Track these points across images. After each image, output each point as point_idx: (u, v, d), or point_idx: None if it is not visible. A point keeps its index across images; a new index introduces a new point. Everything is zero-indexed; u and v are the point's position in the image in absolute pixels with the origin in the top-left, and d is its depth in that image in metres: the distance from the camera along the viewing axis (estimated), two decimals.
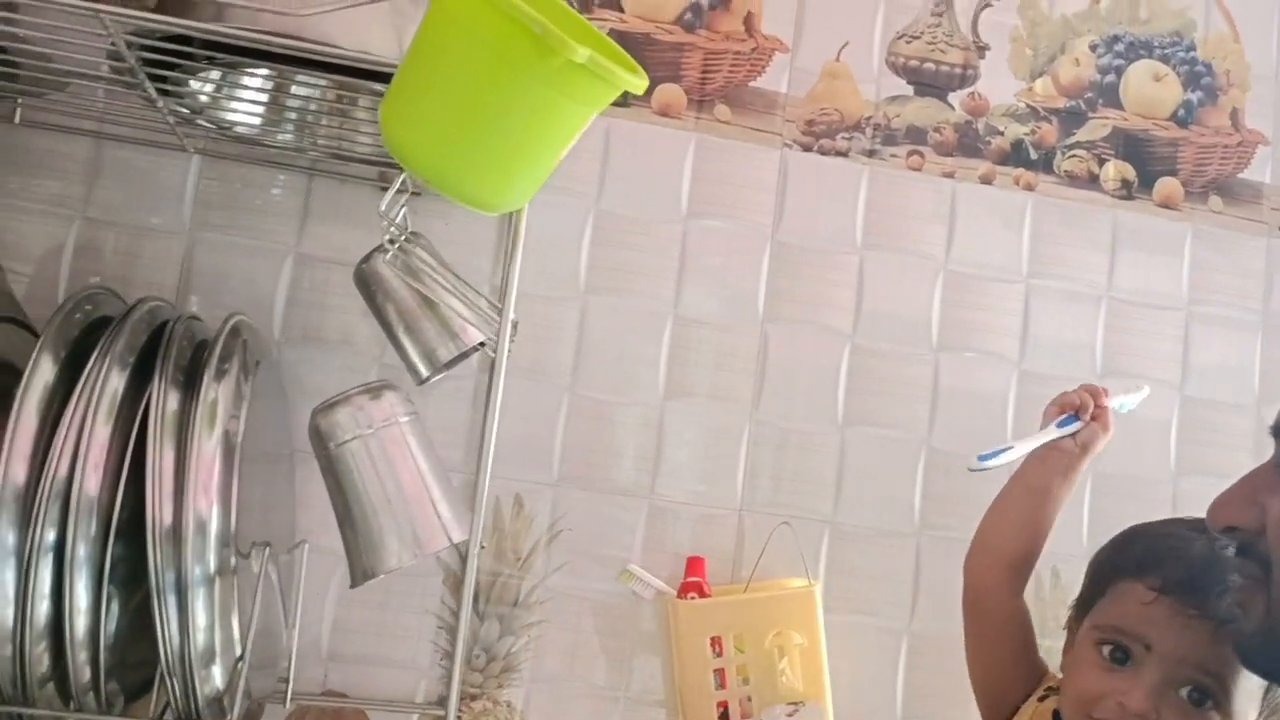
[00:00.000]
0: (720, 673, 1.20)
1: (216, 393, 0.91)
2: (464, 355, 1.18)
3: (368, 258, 1.17)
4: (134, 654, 0.91)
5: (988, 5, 1.45)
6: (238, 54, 0.98)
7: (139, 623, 0.89)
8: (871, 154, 1.41)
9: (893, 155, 1.41)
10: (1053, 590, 1.37)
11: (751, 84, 1.39)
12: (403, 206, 1.03)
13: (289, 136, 1.22)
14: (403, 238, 1.08)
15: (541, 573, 1.29)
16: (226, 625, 0.88)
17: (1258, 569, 0.60)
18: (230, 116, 1.17)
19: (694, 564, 1.27)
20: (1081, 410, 1.00)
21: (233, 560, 0.88)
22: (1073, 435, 1.00)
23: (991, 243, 1.42)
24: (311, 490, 1.25)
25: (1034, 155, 1.44)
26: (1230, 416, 1.44)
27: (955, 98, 1.43)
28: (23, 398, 0.85)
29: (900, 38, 1.43)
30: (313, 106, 1.18)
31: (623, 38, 1.36)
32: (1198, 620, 0.78)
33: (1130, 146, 1.46)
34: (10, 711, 0.85)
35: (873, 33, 1.43)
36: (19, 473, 0.83)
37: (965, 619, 1.04)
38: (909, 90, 1.43)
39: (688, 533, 1.32)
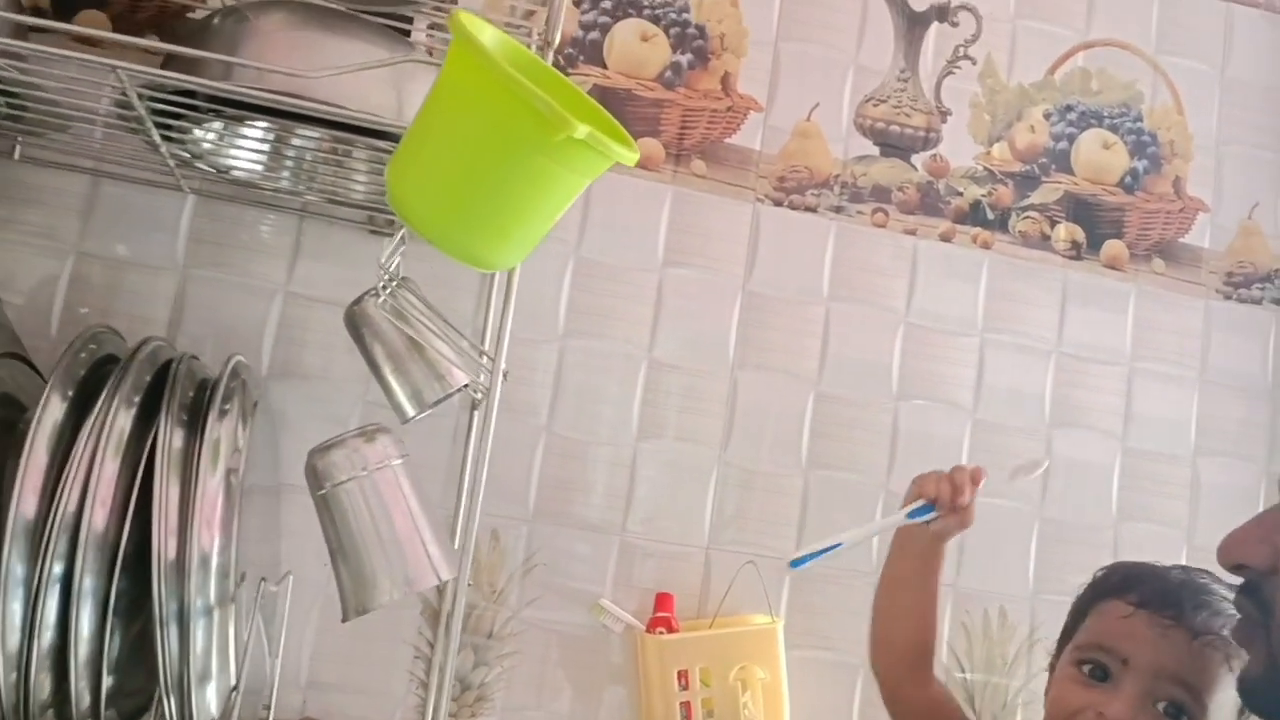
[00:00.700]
0: (686, 705, 1.26)
1: (220, 432, 0.95)
2: (448, 395, 1.23)
3: (358, 300, 1.22)
4: (131, 682, 0.95)
5: (950, 73, 1.54)
6: (243, 108, 1.03)
7: (137, 652, 0.93)
8: (839, 210, 1.48)
9: (859, 212, 1.49)
10: (1000, 629, 1.44)
11: (727, 140, 1.46)
12: (398, 254, 1.09)
13: (285, 181, 1.27)
14: (394, 283, 1.13)
15: (515, 605, 1.34)
16: (224, 653, 0.92)
17: (1258, 611, 0.60)
18: (229, 162, 1.22)
19: (662, 600, 1.33)
20: (938, 502, 0.98)
21: (231, 591, 0.92)
22: (926, 523, 0.98)
23: (950, 297, 1.50)
24: (295, 522, 1.30)
25: (990, 215, 1.52)
26: (1168, 467, 1.53)
27: (918, 159, 1.52)
28: (34, 435, 0.89)
29: (868, 100, 1.51)
30: (309, 156, 1.23)
31: (605, 93, 1.42)
32: (1174, 630, 0.80)
33: (1080, 210, 1.55)
34: None
35: (842, 95, 1.51)
36: (29, 507, 0.87)
37: (888, 713, 1.03)
38: (875, 151, 1.51)
39: (656, 569, 1.38)
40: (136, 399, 0.96)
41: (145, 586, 0.89)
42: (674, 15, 1.46)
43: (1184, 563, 0.97)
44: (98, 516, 0.88)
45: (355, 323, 1.24)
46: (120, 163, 1.27)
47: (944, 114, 1.53)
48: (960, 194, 1.52)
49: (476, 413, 1.34)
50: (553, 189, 0.89)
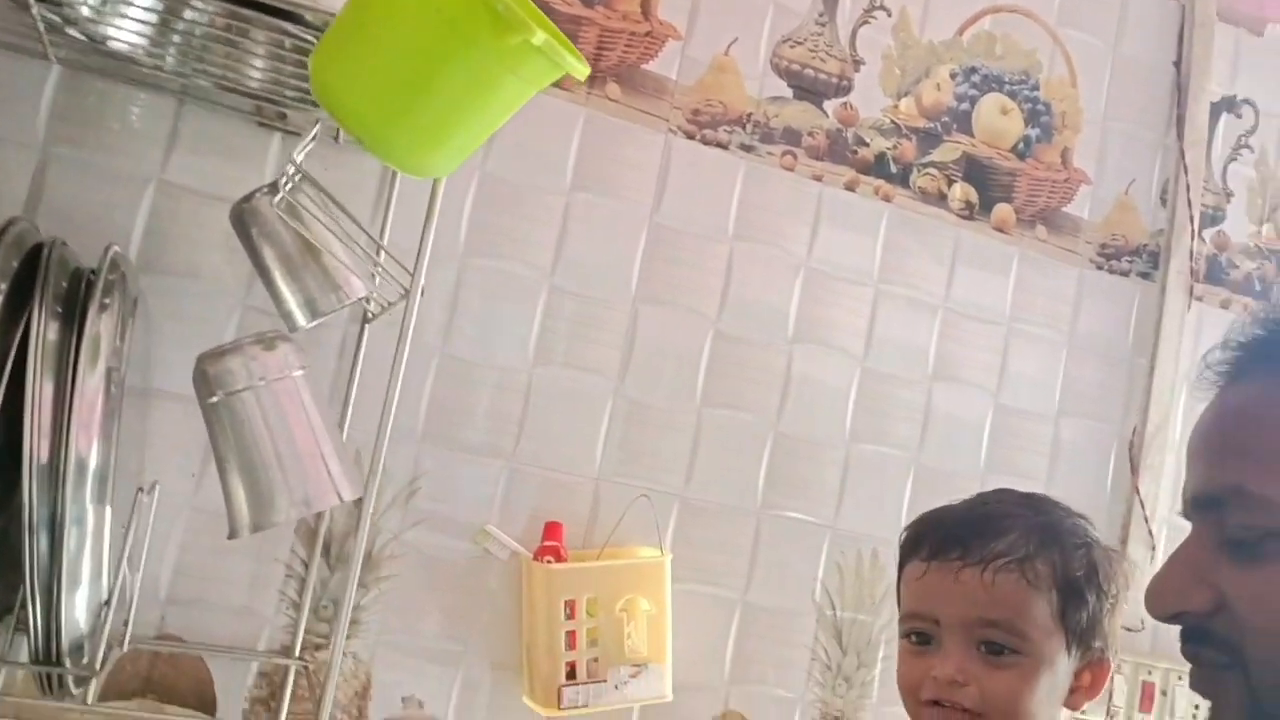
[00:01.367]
0: (571, 634, 1.25)
1: (100, 328, 0.87)
2: (344, 306, 1.16)
3: (249, 197, 1.13)
4: None
5: (866, 22, 1.54)
6: None
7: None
8: (749, 149, 1.47)
9: (769, 153, 1.48)
10: (871, 570, 1.49)
11: (644, 66, 1.42)
12: (305, 150, 1.01)
13: (170, 59, 1.15)
14: (296, 180, 1.05)
15: (396, 528, 1.29)
16: (96, 564, 0.85)
17: (1219, 655, 0.56)
18: (109, 31, 1.10)
19: (552, 528, 1.31)
20: None
21: (108, 500, 0.85)
22: None
23: (849, 246, 1.51)
24: (163, 430, 1.21)
25: (894, 169, 1.54)
26: (1034, 424, 1.60)
27: (830, 105, 1.51)
28: None
29: (785, 41, 1.50)
30: (199, 32, 1.12)
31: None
32: (964, 572, 0.80)
33: (975, 171, 1.59)
34: None
35: (761, 32, 1.48)
36: None
37: None
38: (788, 93, 1.50)
39: (544, 498, 1.35)
40: (3, 286, 0.86)
41: (10, 488, 0.81)
42: None
43: None
44: None
45: (244, 221, 1.15)
46: None
47: (857, 63, 1.53)
48: (867, 144, 1.53)
49: (368, 327, 1.27)
50: (497, 96, 0.84)
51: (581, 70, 0.83)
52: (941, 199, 1.57)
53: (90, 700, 0.86)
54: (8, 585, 0.82)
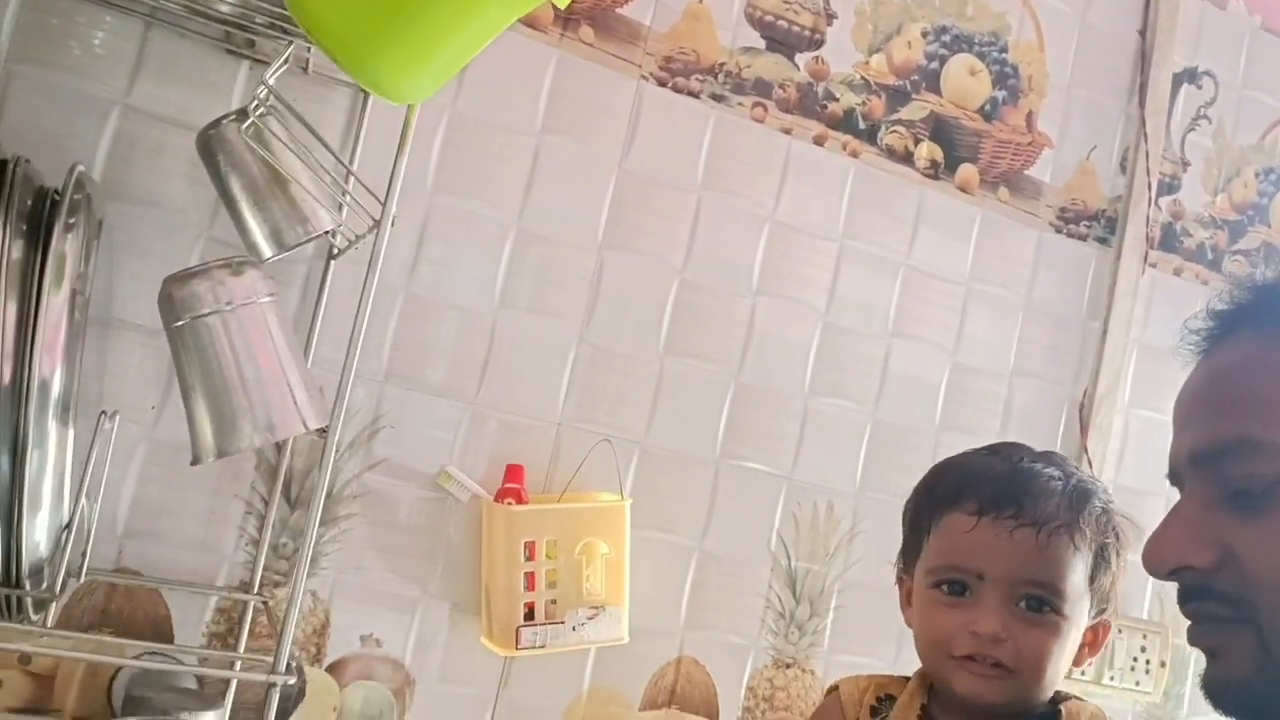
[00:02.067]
0: (530, 576, 1.26)
1: (65, 248, 0.85)
2: (311, 239, 1.14)
3: (216, 123, 1.11)
4: None
5: None
6: None
7: None
8: (720, 99, 1.47)
9: (739, 104, 1.48)
10: (826, 522, 1.52)
11: (618, 10, 1.41)
12: (276, 75, 0.99)
13: None
14: (268, 103, 1.03)
15: (358, 467, 1.29)
16: (58, 489, 0.84)
17: (1224, 609, 0.56)
18: None
19: (513, 471, 1.31)
20: None
21: (71, 424, 0.84)
22: None
23: (815, 201, 1.52)
24: (125, 362, 1.19)
25: (862, 125, 1.55)
26: (988, 383, 1.63)
27: (801, 59, 1.51)
28: None
29: None
30: None
31: None
32: (1019, 531, 0.82)
33: (942, 131, 1.60)
34: None
35: None
36: None
37: None
38: (761, 44, 1.49)
39: (505, 440, 1.35)
40: None
41: None
42: None
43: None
44: None
45: (211, 148, 1.12)
46: None
47: (830, 17, 1.53)
48: (837, 99, 1.53)
49: (334, 263, 1.26)
50: (477, 19, 0.82)
51: None
52: (908, 157, 1.58)
53: (50, 624, 0.85)
54: None
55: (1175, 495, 0.64)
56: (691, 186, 1.45)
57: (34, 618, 0.87)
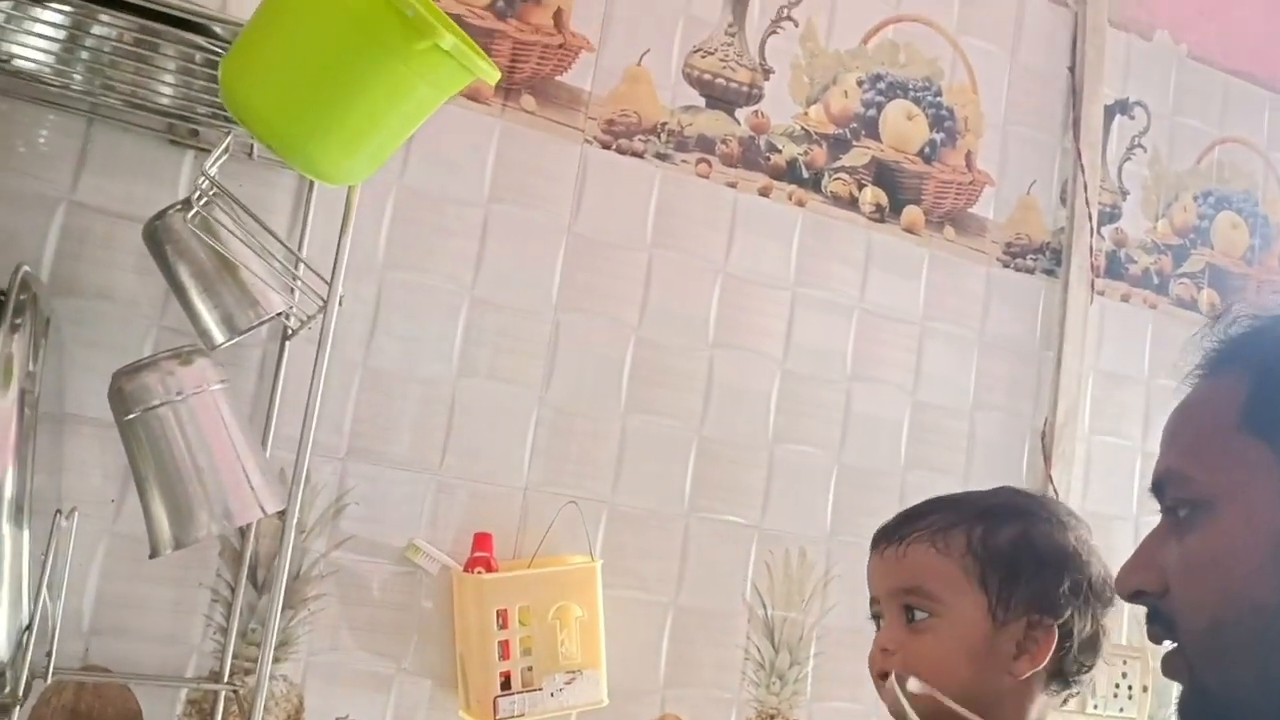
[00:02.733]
0: (504, 644, 1.25)
1: (12, 348, 0.85)
2: (263, 322, 1.15)
3: (161, 214, 1.12)
4: None
5: (774, 32, 1.58)
6: None
7: None
8: (664, 158, 1.50)
9: (683, 161, 1.50)
10: (800, 568, 1.52)
11: (558, 78, 1.44)
12: (218, 163, 1.00)
13: (77, 78, 1.14)
14: (209, 196, 1.04)
15: (325, 546, 1.28)
16: (15, 591, 0.83)
17: (1166, 633, 0.60)
18: (14, 49, 1.08)
19: (481, 539, 1.30)
20: None
21: (25, 525, 0.83)
22: None
23: (765, 252, 1.54)
24: (82, 457, 1.18)
25: (806, 174, 1.58)
26: (950, 420, 1.65)
27: (741, 114, 1.55)
28: None
29: (696, 51, 1.53)
30: (109, 49, 1.11)
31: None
32: (887, 550, 0.87)
33: (884, 175, 1.64)
34: None
35: (673, 43, 1.51)
36: None
37: None
38: (701, 102, 1.53)
39: (472, 509, 1.35)
40: None
41: None
42: None
43: None
44: None
45: (158, 239, 1.14)
46: None
47: (767, 72, 1.57)
48: (779, 150, 1.57)
49: (289, 344, 1.26)
50: (408, 102, 0.84)
51: (491, 74, 0.85)
52: (853, 203, 1.61)
53: None
54: None
55: (1145, 520, 0.69)
56: (641, 245, 1.47)
57: None
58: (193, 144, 1.26)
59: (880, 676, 0.85)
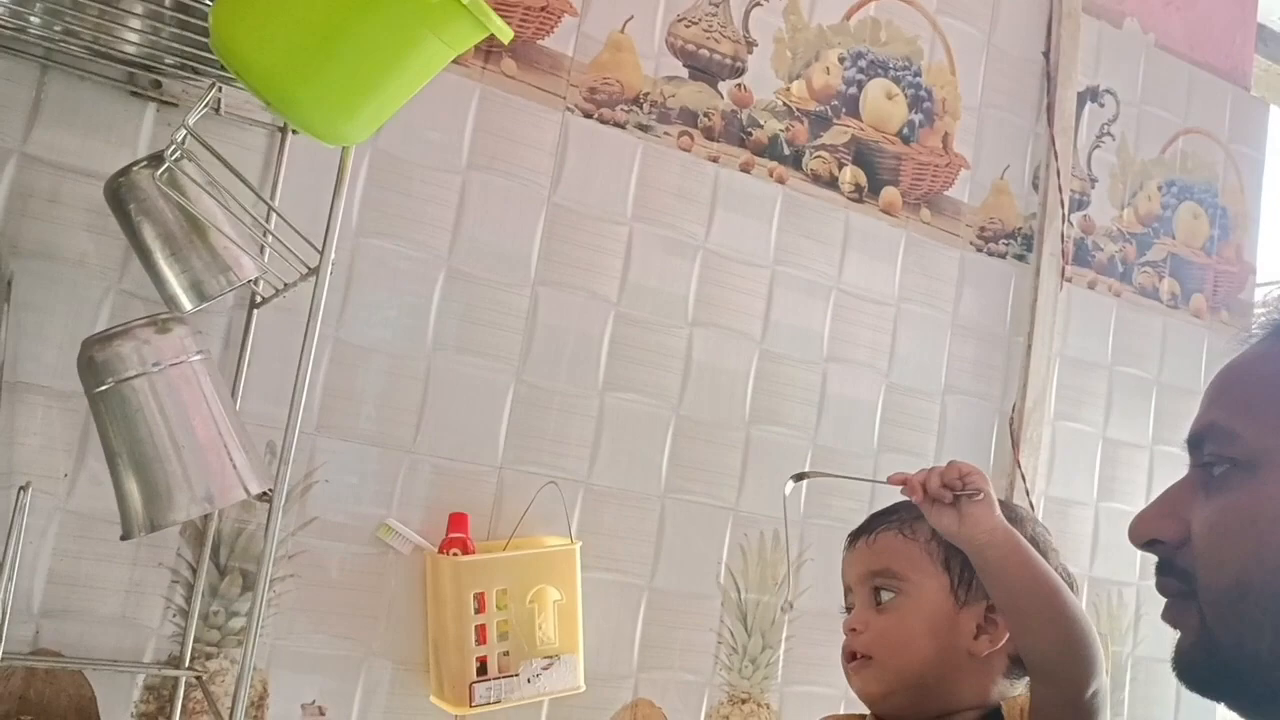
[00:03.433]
0: (481, 629, 1.20)
1: None
2: (234, 288, 1.08)
3: (126, 170, 1.04)
4: None
5: (758, 4, 1.54)
6: None
7: None
8: (646, 129, 1.45)
9: (665, 133, 1.46)
10: (773, 551, 1.50)
11: (539, 42, 1.39)
12: (197, 115, 0.93)
13: (34, 20, 1.05)
14: (185, 145, 0.97)
15: (292, 525, 1.22)
16: None
17: (1181, 584, 0.60)
18: None
19: (457, 520, 1.26)
20: (908, 486, 0.90)
21: None
22: None
23: (745, 229, 1.51)
24: (31, 429, 1.11)
25: (787, 151, 1.55)
26: (922, 402, 1.64)
27: (724, 86, 1.51)
28: None
29: (680, 20, 1.48)
30: None
31: None
32: (859, 541, 0.94)
33: (863, 155, 1.62)
34: None
35: (656, 11, 1.47)
36: None
37: None
38: (684, 73, 1.48)
39: (444, 489, 1.30)
40: None
41: None
42: None
43: None
44: None
45: (120, 197, 1.06)
46: None
47: (750, 45, 1.53)
48: (761, 126, 1.53)
49: (257, 311, 1.20)
50: (417, 57, 0.79)
51: (505, 32, 0.80)
52: (833, 182, 1.59)
53: None
54: None
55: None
56: (622, 218, 1.43)
57: None
58: (155, 96, 1.18)
59: (849, 659, 0.91)
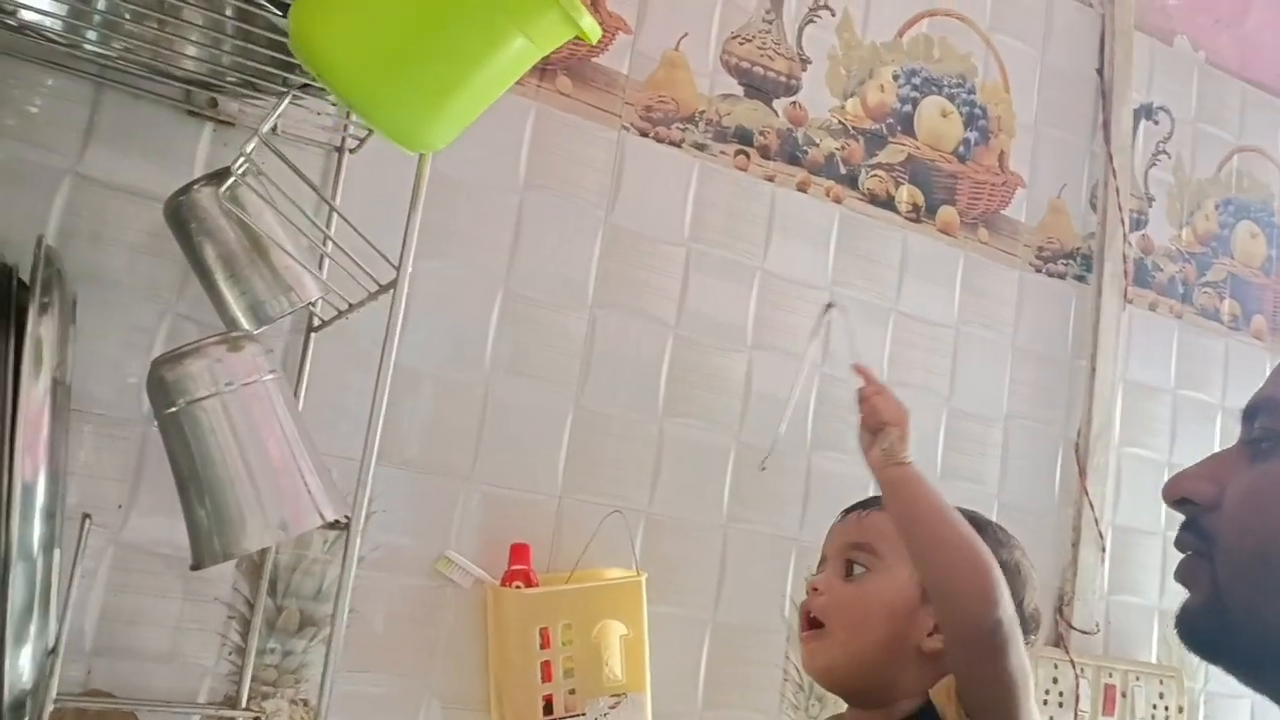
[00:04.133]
0: (546, 665, 1.15)
1: (41, 330, 0.74)
2: (295, 309, 1.05)
3: (187, 189, 1.01)
4: None
5: (811, 20, 1.51)
6: None
7: None
8: (702, 148, 1.42)
9: (721, 152, 1.43)
10: None
11: (594, 60, 1.36)
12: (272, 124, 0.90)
13: (91, 36, 1.02)
14: (245, 170, 0.94)
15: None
16: (45, 611, 0.72)
17: (1202, 544, 0.60)
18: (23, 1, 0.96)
19: (519, 551, 1.21)
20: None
21: (58, 538, 0.72)
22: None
23: (802, 250, 1.47)
24: (85, 458, 1.06)
25: (843, 170, 1.51)
26: (983, 428, 1.59)
27: (779, 104, 1.48)
28: None
29: (734, 37, 1.46)
30: (130, 3, 1.00)
31: None
32: (848, 516, 0.97)
33: (920, 173, 1.58)
34: None
35: (710, 28, 1.44)
36: None
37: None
38: (739, 90, 1.45)
39: (503, 517, 1.26)
40: None
41: None
42: None
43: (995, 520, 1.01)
44: None
45: (181, 216, 1.03)
46: None
47: (804, 62, 1.50)
48: (817, 145, 1.50)
49: (315, 335, 1.16)
50: (504, 57, 0.76)
51: (594, 33, 0.76)
52: (889, 201, 1.55)
53: None
54: None
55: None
56: (679, 239, 1.39)
57: None
58: (211, 115, 1.15)
59: (805, 626, 0.91)
